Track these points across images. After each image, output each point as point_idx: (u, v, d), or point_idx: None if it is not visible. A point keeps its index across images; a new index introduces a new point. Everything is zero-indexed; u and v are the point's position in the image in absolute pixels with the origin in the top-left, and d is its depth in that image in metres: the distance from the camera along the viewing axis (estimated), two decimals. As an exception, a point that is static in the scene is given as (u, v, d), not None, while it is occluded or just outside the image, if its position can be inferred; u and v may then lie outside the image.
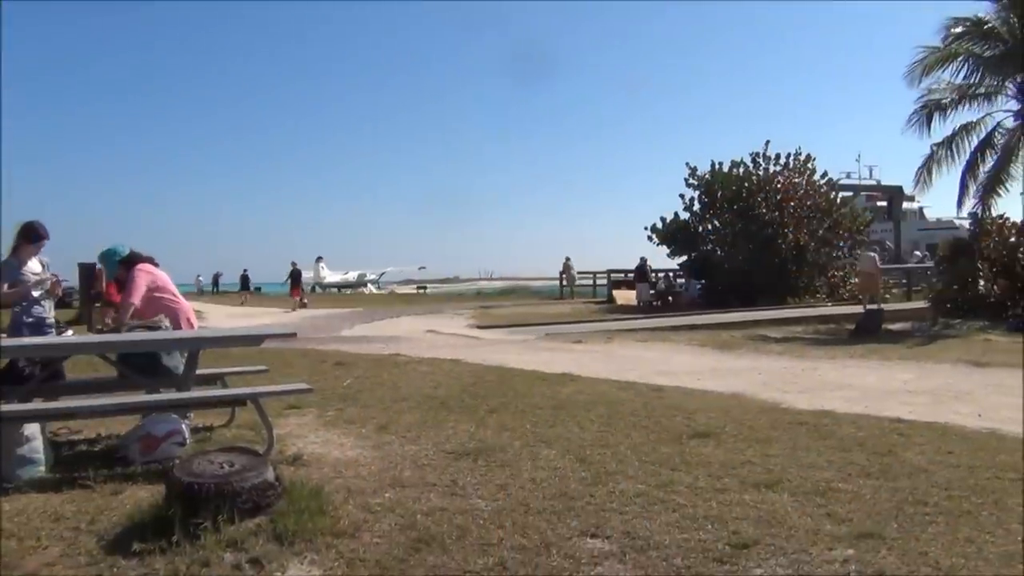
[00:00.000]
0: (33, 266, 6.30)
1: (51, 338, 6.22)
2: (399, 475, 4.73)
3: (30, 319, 6.27)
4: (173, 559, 3.30)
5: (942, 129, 19.21)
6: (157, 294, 6.30)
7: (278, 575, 3.23)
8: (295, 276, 31.94)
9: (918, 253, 23.82)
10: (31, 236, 6.29)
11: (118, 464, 4.89)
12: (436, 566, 3.32)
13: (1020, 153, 18.60)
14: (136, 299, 6.16)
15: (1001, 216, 18.82)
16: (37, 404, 5.24)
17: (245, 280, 42.59)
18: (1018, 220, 18.59)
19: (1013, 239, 17.74)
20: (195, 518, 3.51)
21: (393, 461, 5.08)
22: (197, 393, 5.63)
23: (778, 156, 27.13)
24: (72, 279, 21.37)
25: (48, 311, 6.45)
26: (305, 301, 31.16)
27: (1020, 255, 17.30)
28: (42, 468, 4.73)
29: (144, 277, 6.26)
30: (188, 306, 6.62)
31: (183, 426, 5.28)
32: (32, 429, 4.74)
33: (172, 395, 5.45)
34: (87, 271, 21.96)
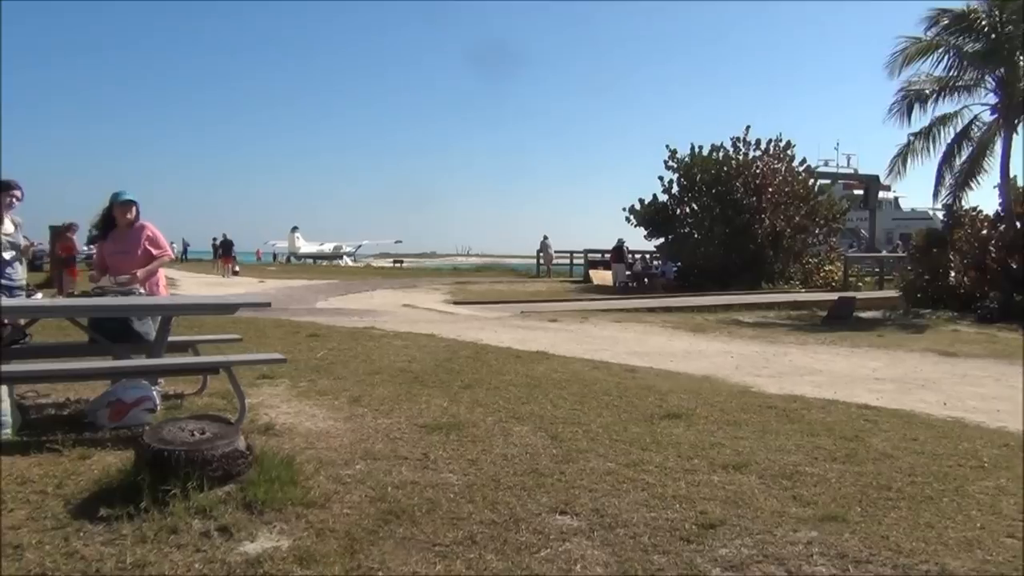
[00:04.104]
0: (6, 226, 6.16)
1: (21, 300, 6.12)
2: (371, 447, 4.74)
3: (1, 281, 6.14)
4: (140, 525, 3.29)
5: (922, 119, 19.36)
6: None
7: (247, 543, 3.23)
8: (226, 246, 35.09)
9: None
10: None
11: (87, 429, 4.85)
12: (405, 538, 3.34)
13: (994, 147, 18.79)
14: (170, 253, 6.71)
15: (974, 208, 18.97)
16: (6, 366, 5.16)
17: (216, 249, 42.70)
18: (991, 213, 18.77)
19: (985, 232, 17.86)
20: (164, 485, 3.49)
21: (365, 433, 5.09)
22: (168, 360, 5.59)
23: (758, 142, 27.19)
24: (43, 241, 21.11)
25: (20, 273, 6.33)
26: (236, 269, 34.02)
27: (991, 248, 17.46)
28: (9, 431, 4.69)
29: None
30: (162, 272, 6.58)
31: (153, 393, 5.23)
32: (-1, 391, 4.68)
33: (143, 361, 5.40)
34: (57, 233, 21.66)
